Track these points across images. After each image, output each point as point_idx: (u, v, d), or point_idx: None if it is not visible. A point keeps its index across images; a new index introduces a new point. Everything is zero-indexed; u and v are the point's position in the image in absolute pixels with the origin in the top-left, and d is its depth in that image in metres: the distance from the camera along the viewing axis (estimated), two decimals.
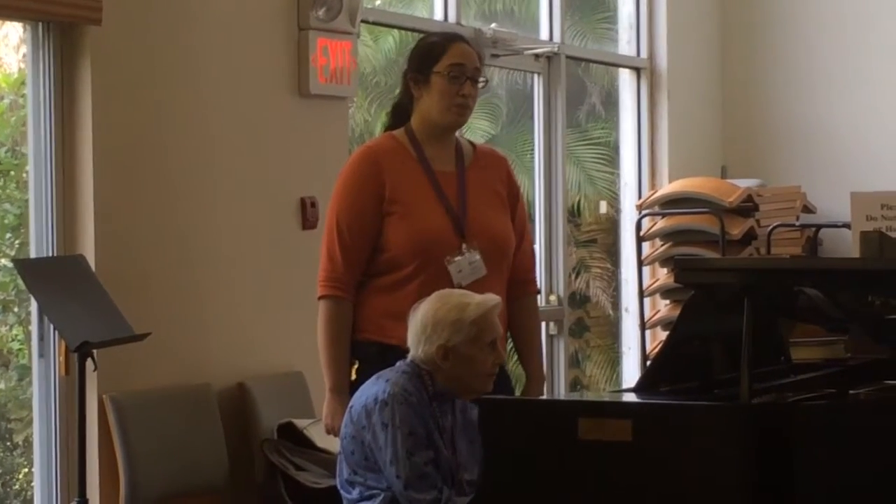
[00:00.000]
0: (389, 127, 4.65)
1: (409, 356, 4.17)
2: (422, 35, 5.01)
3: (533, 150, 8.19)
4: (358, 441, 4.10)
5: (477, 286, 4.33)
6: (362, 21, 6.58)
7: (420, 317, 4.13)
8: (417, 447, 4.02)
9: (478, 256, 4.45)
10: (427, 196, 4.48)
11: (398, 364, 4.18)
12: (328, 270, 4.49)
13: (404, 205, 4.46)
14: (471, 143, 4.75)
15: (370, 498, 4.08)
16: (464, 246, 4.45)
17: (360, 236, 4.46)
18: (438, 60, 4.51)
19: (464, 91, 4.51)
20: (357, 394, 4.19)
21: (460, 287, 4.34)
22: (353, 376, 4.45)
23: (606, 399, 4.51)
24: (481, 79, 4.58)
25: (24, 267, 5.00)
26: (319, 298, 4.50)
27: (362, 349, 4.46)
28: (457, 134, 4.68)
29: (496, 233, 4.55)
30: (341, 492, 4.19)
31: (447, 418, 4.17)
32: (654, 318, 8.52)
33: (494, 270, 4.49)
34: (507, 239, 4.59)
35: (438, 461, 4.07)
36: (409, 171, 4.51)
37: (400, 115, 4.63)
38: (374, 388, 4.12)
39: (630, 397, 4.28)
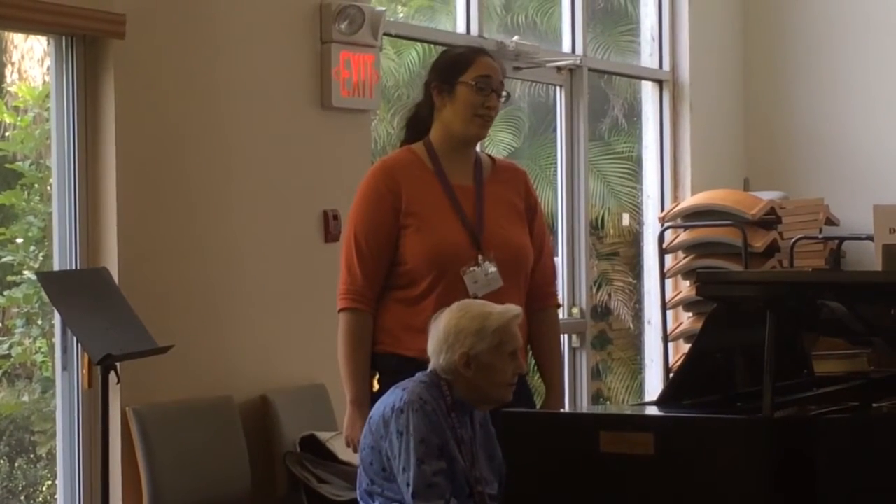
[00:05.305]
0: (406, 140, 4.66)
1: (430, 366, 4.17)
2: (445, 48, 4.99)
3: (555, 162, 8.19)
4: (376, 451, 4.11)
5: (493, 298, 4.32)
6: (385, 34, 6.60)
7: (442, 326, 4.13)
8: (428, 456, 4.01)
9: (493, 268, 4.44)
10: (443, 209, 4.48)
11: (417, 375, 4.19)
12: (347, 283, 4.50)
13: (420, 218, 4.46)
14: (491, 157, 4.75)
15: None
16: (479, 257, 4.44)
17: (377, 250, 4.46)
18: (465, 71, 4.51)
19: (489, 103, 4.51)
20: (376, 405, 4.20)
21: (476, 298, 4.34)
22: (376, 387, 4.46)
23: (628, 412, 4.50)
24: (504, 92, 4.60)
25: (48, 279, 5.01)
26: (339, 311, 4.51)
27: (382, 361, 4.46)
28: (477, 148, 4.68)
29: (513, 245, 4.53)
30: (360, 503, 4.19)
31: (466, 430, 4.16)
32: (676, 331, 8.50)
33: (511, 282, 4.48)
34: (525, 251, 4.58)
35: (454, 471, 4.06)
36: (426, 185, 4.51)
37: (416, 127, 4.63)
38: (391, 397, 4.14)
39: (652, 410, 4.28)
